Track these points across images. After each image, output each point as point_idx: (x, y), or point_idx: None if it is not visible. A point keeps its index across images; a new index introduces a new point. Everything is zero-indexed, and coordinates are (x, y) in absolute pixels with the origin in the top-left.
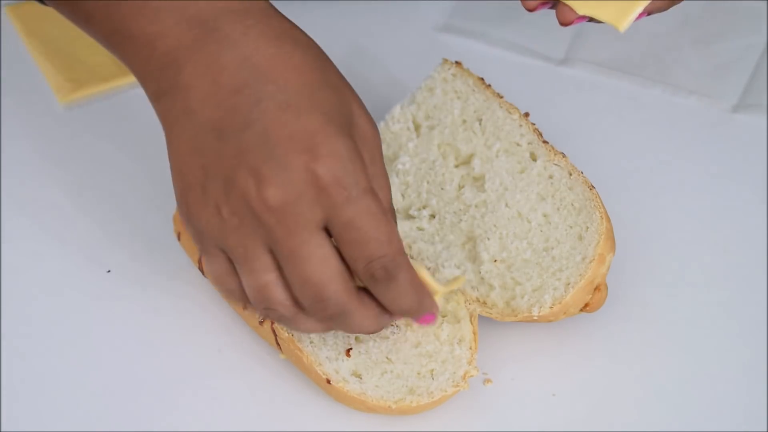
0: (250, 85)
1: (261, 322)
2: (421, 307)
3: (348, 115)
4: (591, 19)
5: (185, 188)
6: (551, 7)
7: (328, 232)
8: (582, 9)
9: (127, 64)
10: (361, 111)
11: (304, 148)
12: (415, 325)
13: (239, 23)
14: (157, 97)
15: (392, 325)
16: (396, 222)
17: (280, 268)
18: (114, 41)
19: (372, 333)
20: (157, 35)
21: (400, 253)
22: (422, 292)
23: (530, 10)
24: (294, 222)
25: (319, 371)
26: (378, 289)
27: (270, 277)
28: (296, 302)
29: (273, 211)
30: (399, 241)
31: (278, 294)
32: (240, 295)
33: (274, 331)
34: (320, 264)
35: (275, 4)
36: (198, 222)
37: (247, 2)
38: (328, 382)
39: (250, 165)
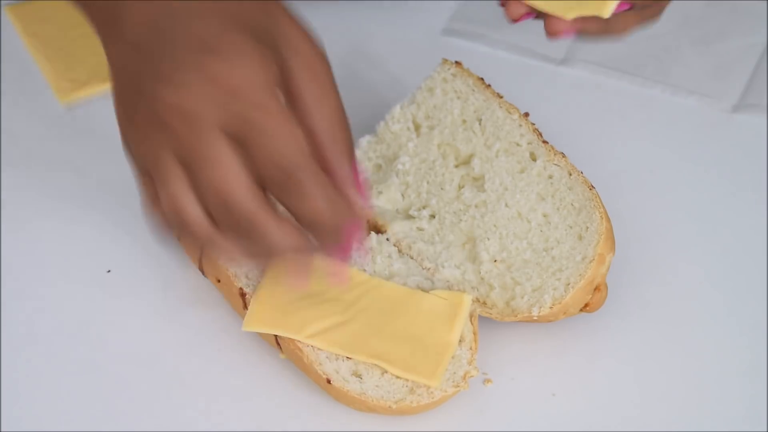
0: (176, 7)
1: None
2: (334, 218)
3: (271, 27)
4: (578, 32)
5: (119, 115)
6: (536, 17)
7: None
8: (569, 12)
9: (86, 15)
10: (295, 30)
11: (206, 49)
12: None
13: None
14: (104, 41)
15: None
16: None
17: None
18: None
19: (290, 251)
20: None
21: (306, 156)
22: (336, 201)
23: (514, 21)
24: (197, 123)
25: (319, 371)
26: (285, 196)
27: (180, 187)
28: (210, 217)
29: (174, 112)
30: (306, 146)
31: (190, 207)
32: (163, 223)
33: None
34: (227, 168)
35: None
36: (126, 144)
37: None
38: (329, 381)
39: (154, 70)
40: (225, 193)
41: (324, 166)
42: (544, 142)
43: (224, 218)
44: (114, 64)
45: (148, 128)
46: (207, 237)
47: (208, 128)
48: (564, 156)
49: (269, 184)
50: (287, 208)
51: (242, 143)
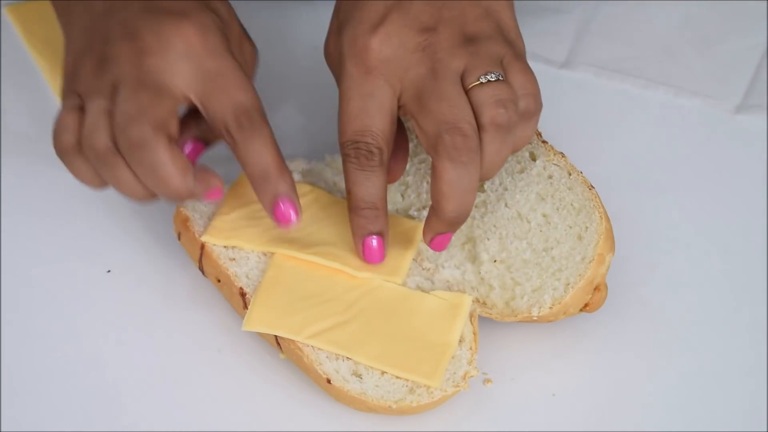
0: None
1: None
2: (280, 170)
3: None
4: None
5: (73, 54)
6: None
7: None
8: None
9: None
10: (244, 36)
11: (176, 14)
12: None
13: None
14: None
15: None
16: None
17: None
18: None
19: (178, 191)
20: None
21: (260, 110)
22: (280, 162)
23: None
24: (155, 64)
25: (319, 371)
26: (245, 137)
27: (105, 104)
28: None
29: (137, 55)
30: (257, 97)
31: (103, 126)
32: (69, 143)
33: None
34: (154, 94)
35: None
36: (71, 72)
37: None
38: (329, 381)
39: (128, 28)
40: (137, 109)
41: None
42: (544, 142)
43: (121, 127)
44: (77, 26)
45: (103, 61)
46: (105, 160)
47: (169, 86)
48: (564, 156)
49: (229, 127)
50: (241, 153)
51: (201, 100)
